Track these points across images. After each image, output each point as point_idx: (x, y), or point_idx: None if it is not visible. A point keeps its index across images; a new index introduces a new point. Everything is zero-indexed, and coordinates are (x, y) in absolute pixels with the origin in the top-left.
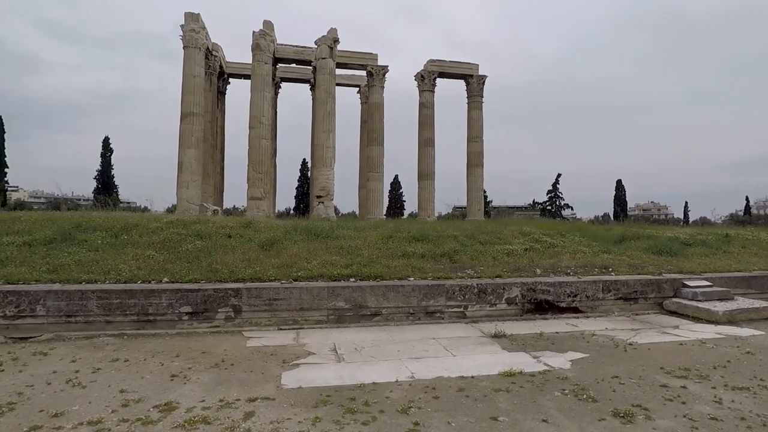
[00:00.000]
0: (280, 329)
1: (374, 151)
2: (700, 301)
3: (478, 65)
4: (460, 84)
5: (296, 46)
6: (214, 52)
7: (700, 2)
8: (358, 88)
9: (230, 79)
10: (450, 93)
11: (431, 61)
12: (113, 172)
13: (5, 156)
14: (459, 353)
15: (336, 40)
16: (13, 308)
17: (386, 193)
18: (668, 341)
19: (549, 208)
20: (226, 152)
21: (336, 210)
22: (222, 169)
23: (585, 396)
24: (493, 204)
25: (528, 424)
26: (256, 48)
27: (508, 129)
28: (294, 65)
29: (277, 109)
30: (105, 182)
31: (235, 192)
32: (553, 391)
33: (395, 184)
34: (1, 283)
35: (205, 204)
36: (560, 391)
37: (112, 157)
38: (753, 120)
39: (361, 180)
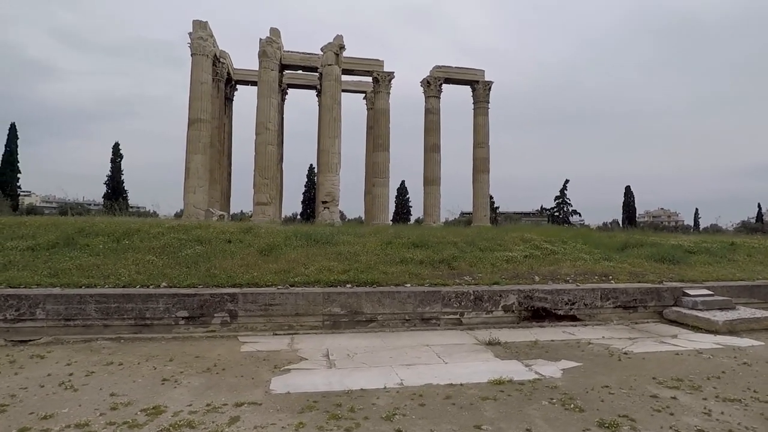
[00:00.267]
0: (276, 334)
1: (380, 157)
2: (700, 310)
3: (483, 71)
4: (466, 90)
5: (302, 53)
6: (221, 59)
7: (711, 7)
8: (364, 94)
9: (238, 86)
10: (456, 99)
11: (437, 67)
12: (123, 177)
13: (18, 161)
14: (451, 360)
15: (342, 47)
16: (13, 311)
17: (392, 199)
18: (664, 351)
19: (557, 214)
20: (233, 158)
21: (342, 215)
22: (229, 174)
23: (572, 406)
24: (501, 210)
25: None
26: (262, 55)
27: (517, 134)
28: (300, 72)
29: (284, 116)
30: (114, 187)
31: (242, 197)
32: (541, 400)
33: (402, 190)
34: (3, 287)
35: (211, 209)
36: (548, 400)
37: (122, 162)
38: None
39: (367, 186)
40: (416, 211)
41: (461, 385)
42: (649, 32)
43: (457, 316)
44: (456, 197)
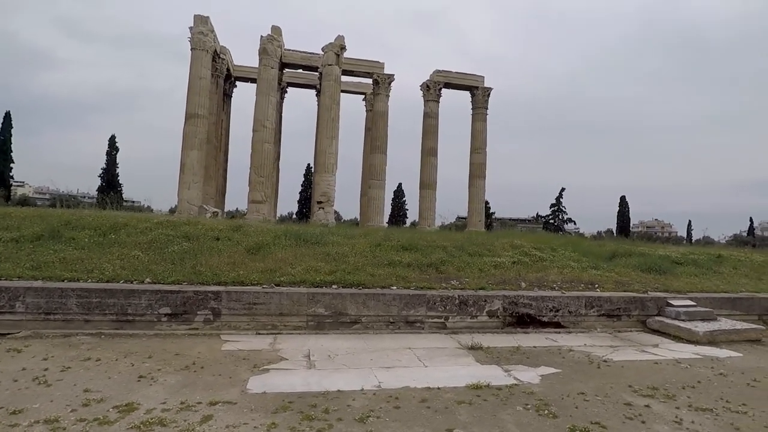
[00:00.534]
0: (258, 334)
1: (377, 159)
2: (682, 320)
3: (483, 77)
4: (466, 95)
5: (303, 52)
6: (221, 55)
7: (715, 23)
8: (363, 96)
9: (237, 82)
10: (455, 104)
11: (437, 71)
12: (118, 170)
13: (12, 151)
14: (431, 364)
15: (343, 47)
16: None
17: (388, 201)
18: (644, 359)
19: (551, 221)
20: (230, 155)
21: (338, 216)
22: (225, 171)
23: (546, 412)
24: (497, 216)
25: None
26: (263, 52)
27: (518, 142)
28: (301, 71)
29: (283, 114)
30: (109, 180)
31: (238, 194)
32: (516, 406)
33: (398, 193)
34: None
35: (205, 206)
36: (523, 405)
37: (117, 155)
38: (763, 142)
39: (363, 187)
40: (412, 215)
41: (438, 388)
42: (656, 47)
43: (442, 320)
44: (452, 202)
